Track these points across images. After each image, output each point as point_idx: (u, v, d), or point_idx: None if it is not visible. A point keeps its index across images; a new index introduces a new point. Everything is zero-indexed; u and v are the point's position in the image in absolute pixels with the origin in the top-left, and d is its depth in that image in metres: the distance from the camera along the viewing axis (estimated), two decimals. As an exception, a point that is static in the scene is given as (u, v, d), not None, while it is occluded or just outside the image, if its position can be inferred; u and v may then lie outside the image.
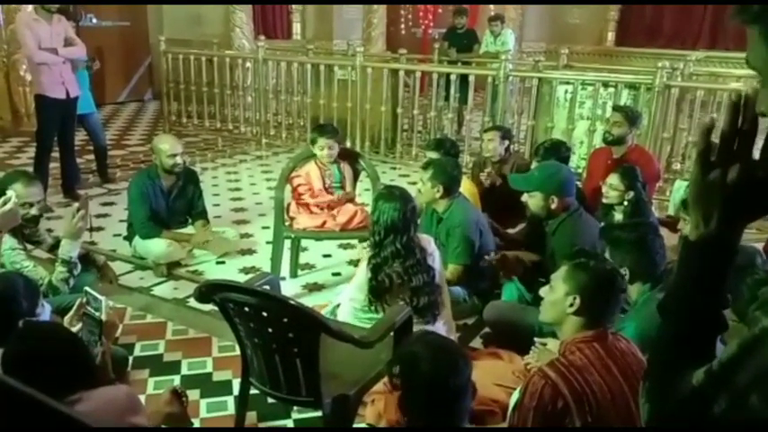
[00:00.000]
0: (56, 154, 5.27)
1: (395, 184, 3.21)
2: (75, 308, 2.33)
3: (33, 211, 2.98)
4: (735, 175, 0.79)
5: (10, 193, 2.70)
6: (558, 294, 1.87)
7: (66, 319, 2.30)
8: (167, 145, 3.95)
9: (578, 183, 3.96)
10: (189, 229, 4.17)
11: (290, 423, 2.54)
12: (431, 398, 1.62)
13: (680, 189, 4.06)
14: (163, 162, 3.91)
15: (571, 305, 1.82)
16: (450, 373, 1.61)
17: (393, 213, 2.60)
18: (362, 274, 2.72)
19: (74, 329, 2.20)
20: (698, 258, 0.86)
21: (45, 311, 2.27)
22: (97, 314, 2.18)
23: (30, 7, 5.14)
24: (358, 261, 3.95)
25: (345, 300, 2.81)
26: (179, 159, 3.93)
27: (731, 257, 0.85)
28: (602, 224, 3.21)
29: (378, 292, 2.65)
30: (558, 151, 3.95)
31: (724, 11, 10.96)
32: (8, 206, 2.63)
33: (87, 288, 2.37)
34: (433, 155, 3.88)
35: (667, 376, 0.90)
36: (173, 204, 4.06)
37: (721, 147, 0.80)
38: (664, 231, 3.19)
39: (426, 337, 1.93)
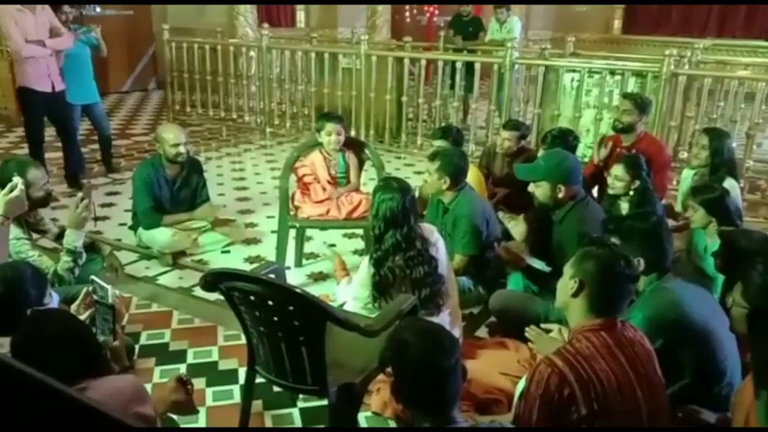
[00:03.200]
0: (59, 144, 5.26)
1: (392, 176, 3.20)
2: (81, 296, 2.34)
3: (41, 193, 2.98)
4: None
5: (16, 179, 2.70)
6: (565, 279, 1.88)
7: (73, 307, 2.31)
8: (171, 134, 3.93)
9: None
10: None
11: (295, 411, 2.54)
12: (420, 381, 1.63)
13: (687, 178, 4.03)
14: (166, 151, 3.90)
15: (572, 288, 1.82)
16: (437, 356, 1.62)
17: (391, 205, 2.58)
18: (364, 270, 2.70)
19: (81, 317, 2.21)
20: None
21: (53, 301, 2.28)
22: (110, 299, 2.19)
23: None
24: (363, 251, 3.96)
25: (350, 298, 2.80)
26: (183, 149, 3.91)
27: None
28: (610, 215, 3.20)
29: (381, 288, 2.63)
30: (566, 140, 3.93)
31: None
32: (15, 193, 2.64)
33: (94, 277, 2.38)
34: (440, 143, 3.85)
35: None
36: (177, 194, 4.05)
37: None
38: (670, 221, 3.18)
39: (414, 323, 1.94)
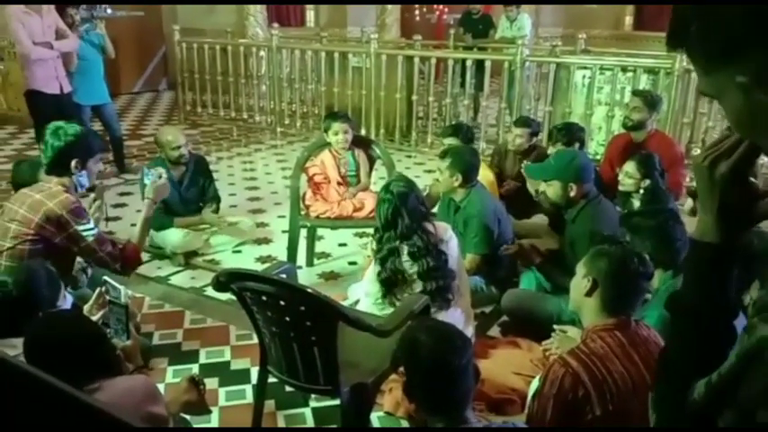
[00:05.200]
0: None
1: (401, 174, 3.19)
2: (94, 297, 2.35)
3: None
4: (723, 168, 0.81)
5: (160, 169, 2.91)
6: (577, 278, 1.87)
7: (86, 307, 2.32)
8: (170, 137, 3.95)
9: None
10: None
11: (308, 411, 2.54)
12: (432, 381, 1.63)
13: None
14: (168, 155, 3.92)
15: (585, 287, 1.81)
16: (449, 356, 1.62)
17: (384, 207, 2.59)
18: (373, 267, 2.71)
19: (93, 318, 2.22)
20: (697, 257, 0.86)
21: (67, 302, 2.29)
22: (123, 300, 2.20)
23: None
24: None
25: (362, 295, 2.80)
26: (183, 150, 3.93)
27: (727, 263, 0.84)
28: (622, 212, 3.17)
29: (388, 284, 2.64)
30: (571, 131, 3.92)
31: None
32: (162, 180, 2.86)
33: (106, 277, 2.39)
34: (451, 141, 3.84)
35: (674, 387, 0.88)
36: (185, 193, 4.06)
37: (726, 143, 0.81)
38: (686, 218, 3.14)
39: (425, 322, 1.95)
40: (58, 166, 2.59)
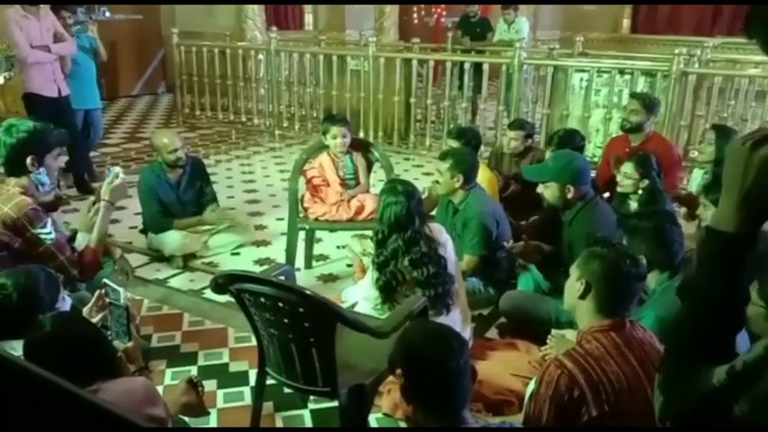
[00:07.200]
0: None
1: (399, 178, 3.20)
2: (93, 299, 2.35)
3: (51, 197, 3.00)
4: (764, 151, 0.80)
5: (117, 169, 2.83)
6: (571, 281, 1.88)
7: (86, 310, 2.32)
8: (166, 140, 3.95)
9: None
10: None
11: (306, 413, 2.55)
12: (430, 382, 1.63)
13: (697, 177, 4.00)
14: (165, 158, 3.92)
15: (578, 289, 1.82)
16: (446, 358, 1.63)
17: (396, 209, 2.57)
18: (371, 273, 2.72)
19: (93, 320, 2.22)
20: (712, 245, 0.86)
21: (65, 304, 2.29)
22: (123, 302, 2.20)
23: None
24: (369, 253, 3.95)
25: (361, 299, 2.81)
26: (180, 153, 3.93)
27: (744, 248, 0.84)
28: (619, 213, 3.18)
29: (387, 290, 2.64)
30: (573, 140, 3.92)
31: (742, -5, 10.77)
32: (118, 181, 2.76)
33: (106, 280, 2.40)
34: (454, 143, 3.85)
35: (684, 370, 0.88)
36: (182, 196, 4.07)
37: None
38: (681, 220, 3.15)
39: (422, 324, 1.97)
40: (15, 166, 2.51)
